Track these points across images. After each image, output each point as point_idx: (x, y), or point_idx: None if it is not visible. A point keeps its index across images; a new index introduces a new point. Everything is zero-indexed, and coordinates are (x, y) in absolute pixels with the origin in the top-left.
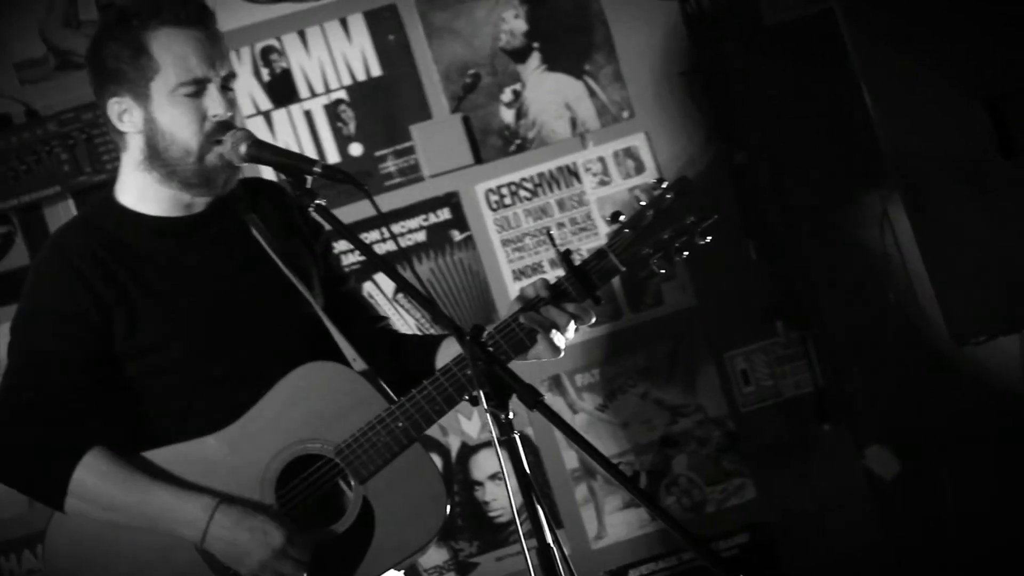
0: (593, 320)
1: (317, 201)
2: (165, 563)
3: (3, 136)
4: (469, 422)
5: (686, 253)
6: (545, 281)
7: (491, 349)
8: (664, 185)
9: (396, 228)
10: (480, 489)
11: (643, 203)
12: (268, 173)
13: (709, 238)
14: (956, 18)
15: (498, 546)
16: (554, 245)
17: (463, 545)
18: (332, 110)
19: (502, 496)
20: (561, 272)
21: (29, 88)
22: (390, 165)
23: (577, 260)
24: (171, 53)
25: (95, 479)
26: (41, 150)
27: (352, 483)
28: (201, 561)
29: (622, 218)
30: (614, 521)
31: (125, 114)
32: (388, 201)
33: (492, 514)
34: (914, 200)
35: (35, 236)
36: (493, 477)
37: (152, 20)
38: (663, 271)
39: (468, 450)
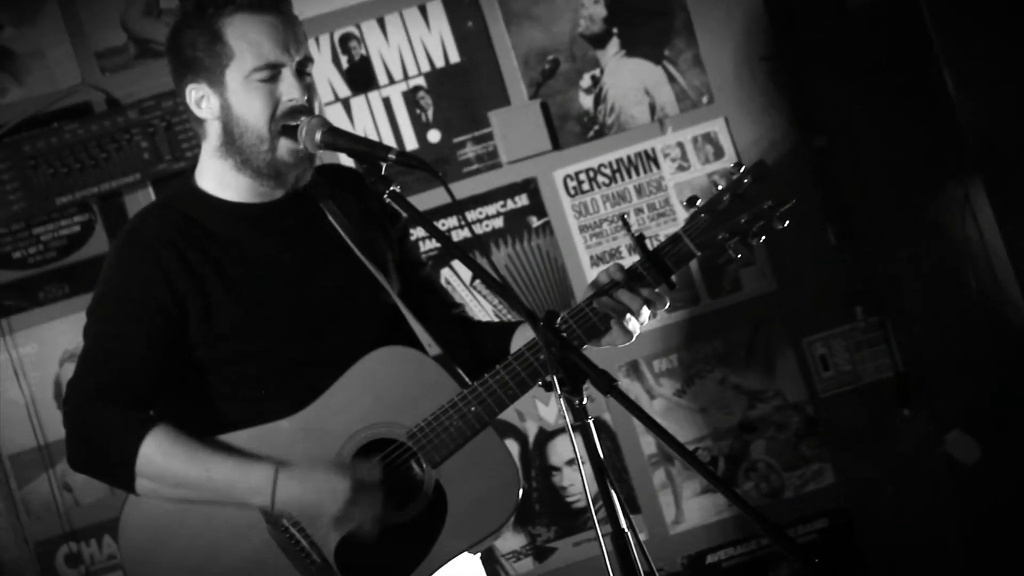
0: (667, 305)
1: (392, 188)
2: (237, 544)
3: (84, 124)
4: (546, 408)
5: (763, 238)
6: (620, 266)
7: (564, 334)
8: (742, 170)
9: (474, 215)
10: (557, 474)
11: (720, 187)
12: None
13: (787, 223)
14: None
15: (575, 531)
16: (628, 230)
17: (540, 530)
18: (411, 97)
19: (579, 481)
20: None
21: (110, 76)
22: (468, 151)
23: (652, 245)
24: (245, 39)
25: (160, 456)
26: (121, 138)
27: (424, 467)
28: (273, 542)
29: (699, 203)
30: (692, 506)
31: (203, 100)
32: (466, 187)
33: (569, 499)
34: (996, 185)
35: (115, 224)
36: (571, 463)
37: (227, 7)
38: (739, 256)
39: (545, 435)
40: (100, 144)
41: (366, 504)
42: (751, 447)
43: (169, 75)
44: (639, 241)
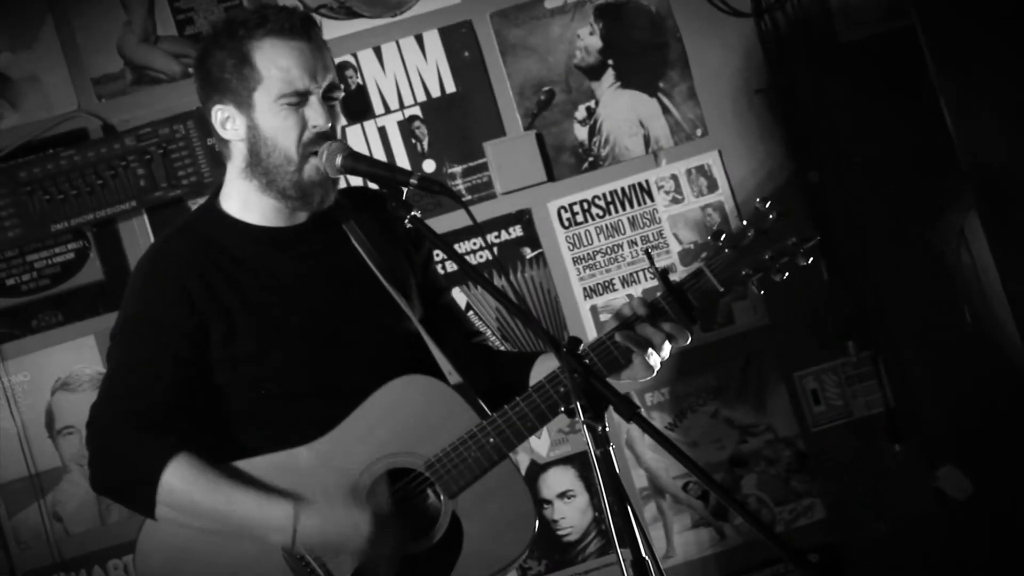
0: (689, 340)
1: (413, 213)
2: (253, 571)
3: (80, 151)
4: (539, 440)
5: (787, 274)
6: (643, 300)
7: (587, 362)
8: (767, 205)
9: (467, 246)
10: (549, 507)
11: (744, 223)
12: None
13: (811, 259)
14: None
15: (567, 565)
16: (652, 263)
17: (531, 564)
18: (406, 126)
19: (571, 515)
20: (635, 291)
21: (106, 103)
22: (462, 182)
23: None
24: (274, 64)
25: (182, 484)
26: (117, 165)
27: (442, 497)
28: (288, 569)
29: (723, 237)
30: (682, 541)
31: (228, 121)
32: (461, 217)
33: (560, 533)
34: (993, 218)
35: (109, 251)
36: (562, 495)
37: (257, 30)
38: (762, 292)
39: (537, 468)
40: (96, 171)
41: (388, 537)
42: (742, 481)
43: (165, 102)
44: (663, 275)
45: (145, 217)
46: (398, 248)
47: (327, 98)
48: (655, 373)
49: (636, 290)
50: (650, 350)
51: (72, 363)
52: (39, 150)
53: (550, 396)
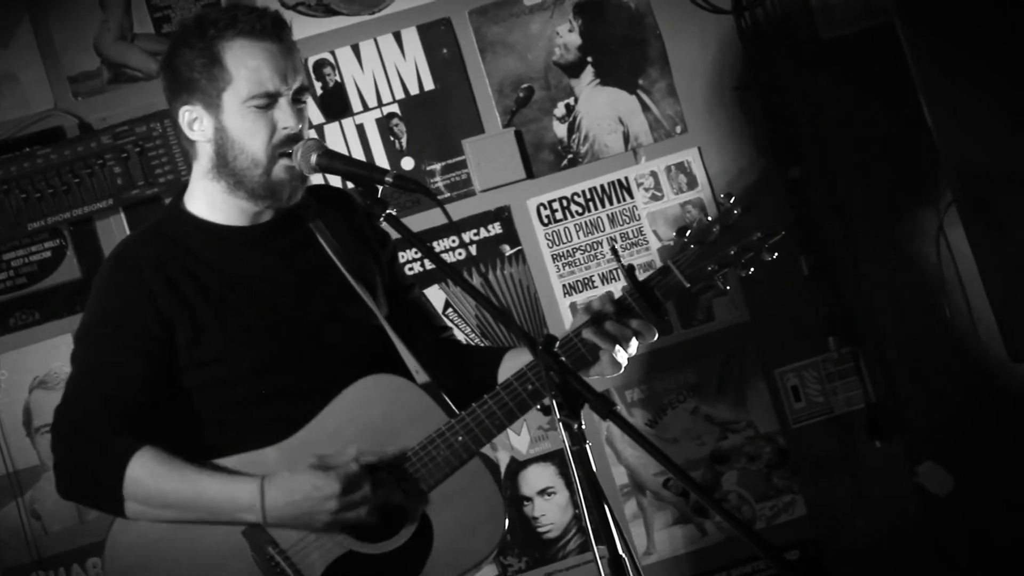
0: (656, 337)
1: (388, 211)
2: (222, 570)
3: (56, 149)
4: (518, 437)
5: (752, 270)
6: (609, 296)
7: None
8: (731, 200)
9: (445, 243)
10: (529, 504)
11: (709, 218)
12: (337, 182)
13: (776, 254)
14: (1017, 33)
15: (547, 562)
16: (619, 259)
17: (511, 561)
18: (384, 124)
19: (551, 512)
20: (615, 288)
21: (83, 101)
22: (441, 179)
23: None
24: (244, 65)
25: (148, 476)
26: (94, 163)
27: (410, 496)
28: (256, 569)
29: (688, 233)
30: (663, 537)
31: (196, 122)
32: (440, 215)
33: (541, 530)
34: (972, 215)
35: (86, 250)
36: (542, 492)
37: (228, 31)
38: (728, 288)
39: (517, 465)
40: (72, 169)
41: (357, 496)
42: (723, 478)
43: (142, 100)
44: (629, 272)
45: (122, 215)
46: (364, 246)
47: (296, 100)
48: (622, 370)
49: (616, 287)
50: (617, 347)
51: (50, 361)
52: (15, 148)
53: (518, 394)
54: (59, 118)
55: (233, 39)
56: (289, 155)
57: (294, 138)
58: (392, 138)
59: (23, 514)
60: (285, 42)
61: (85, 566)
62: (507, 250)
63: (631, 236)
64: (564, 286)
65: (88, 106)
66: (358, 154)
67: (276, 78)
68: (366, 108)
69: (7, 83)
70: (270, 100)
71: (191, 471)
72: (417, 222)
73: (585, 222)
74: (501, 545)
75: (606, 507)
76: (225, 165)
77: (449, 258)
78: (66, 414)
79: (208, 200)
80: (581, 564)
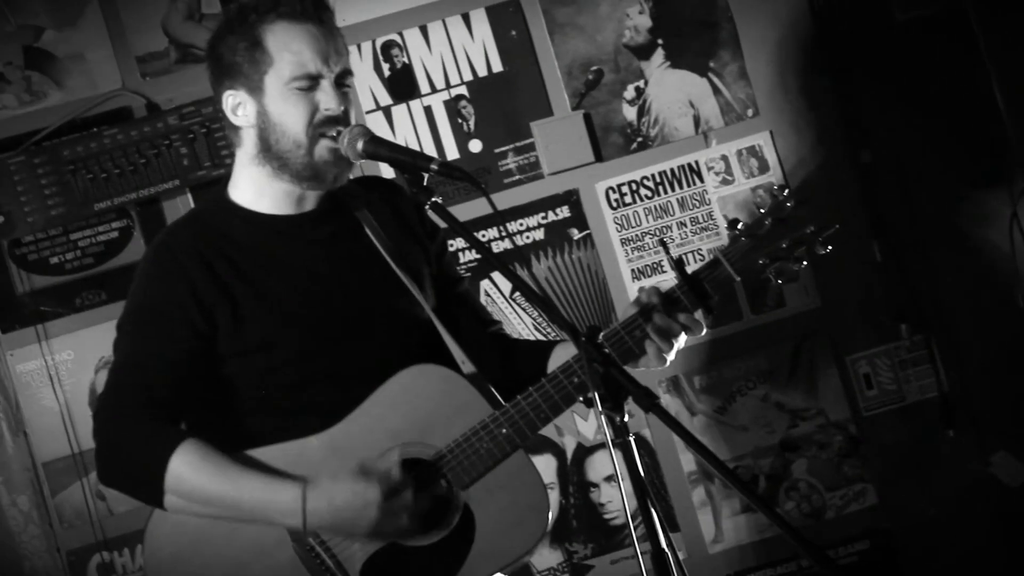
0: (704, 331)
1: (434, 199)
2: (261, 562)
3: (123, 129)
4: (585, 423)
5: (804, 263)
6: (657, 289)
7: (607, 351)
8: (785, 193)
9: (515, 226)
10: (595, 491)
11: (762, 211)
12: (386, 170)
13: (829, 248)
14: None
15: (613, 549)
16: (668, 253)
17: (577, 547)
18: (452, 106)
19: (617, 498)
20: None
21: (150, 81)
22: (510, 162)
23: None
24: (286, 47)
25: (190, 473)
26: (161, 144)
27: (453, 489)
28: (298, 560)
29: (740, 226)
30: (731, 525)
31: (239, 107)
32: (507, 198)
33: (607, 516)
34: None
35: (153, 230)
36: (608, 479)
37: (269, 14)
38: (780, 281)
39: (584, 451)
40: (139, 150)
41: (398, 504)
42: (792, 466)
43: (208, 81)
44: (678, 265)
45: (189, 196)
46: (412, 237)
47: (340, 84)
48: (668, 363)
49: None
50: (664, 340)
51: None
52: (83, 129)
53: (564, 386)
54: (127, 98)
55: (274, 22)
56: (331, 136)
57: (336, 120)
58: (460, 120)
59: (88, 495)
60: (327, 24)
61: None
62: (575, 234)
63: (701, 220)
64: (633, 271)
65: (156, 86)
66: (426, 136)
67: (318, 59)
68: (434, 90)
69: (75, 63)
70: (312, 82)
71: (234, 470)
72: (467, 211)
73: (655, 206)
74: (543, 539)
75: (649, 502)
76: (268, 149)
77: (517, 242)
78: (108, 402)
79: (254, 187)
80: (646, 552)
